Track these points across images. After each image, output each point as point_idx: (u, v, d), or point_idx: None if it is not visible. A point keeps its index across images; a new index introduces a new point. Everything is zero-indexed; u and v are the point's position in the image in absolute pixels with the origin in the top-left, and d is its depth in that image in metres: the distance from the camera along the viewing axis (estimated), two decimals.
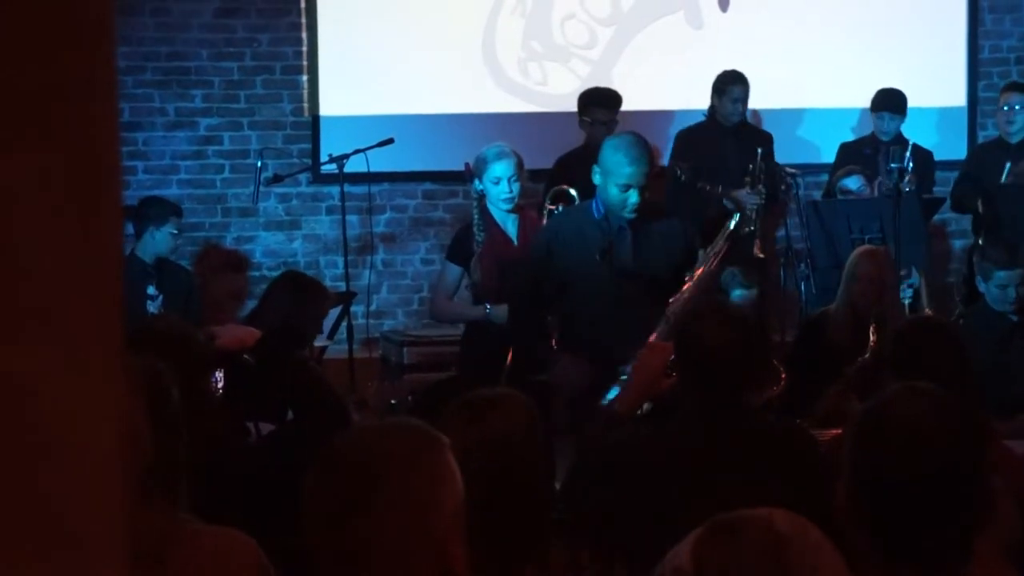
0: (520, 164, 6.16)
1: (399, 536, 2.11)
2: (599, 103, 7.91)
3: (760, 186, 7.36)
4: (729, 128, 7.98)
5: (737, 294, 6.55)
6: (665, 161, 8.20)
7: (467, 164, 6.39)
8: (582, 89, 8.48)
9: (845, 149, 8.22)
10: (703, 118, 8.09)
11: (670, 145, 8.50)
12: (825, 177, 8.38)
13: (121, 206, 1.26)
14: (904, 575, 2.28)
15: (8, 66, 1.15)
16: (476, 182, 6.18)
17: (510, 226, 6.23)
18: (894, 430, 2.31)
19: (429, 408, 5.31)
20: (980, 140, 8.89)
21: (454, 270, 6.27)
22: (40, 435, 1.15)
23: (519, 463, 2.73)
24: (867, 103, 8.31)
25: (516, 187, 6.11)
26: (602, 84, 8.37)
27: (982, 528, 2.33)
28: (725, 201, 7.55)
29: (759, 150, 7.42)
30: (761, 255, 7.20)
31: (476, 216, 6.18)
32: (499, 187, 6.10)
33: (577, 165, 6.99)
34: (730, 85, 7.97)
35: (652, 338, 4.75)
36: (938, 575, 2.27)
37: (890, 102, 8.12)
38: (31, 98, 1.16)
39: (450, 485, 2.17)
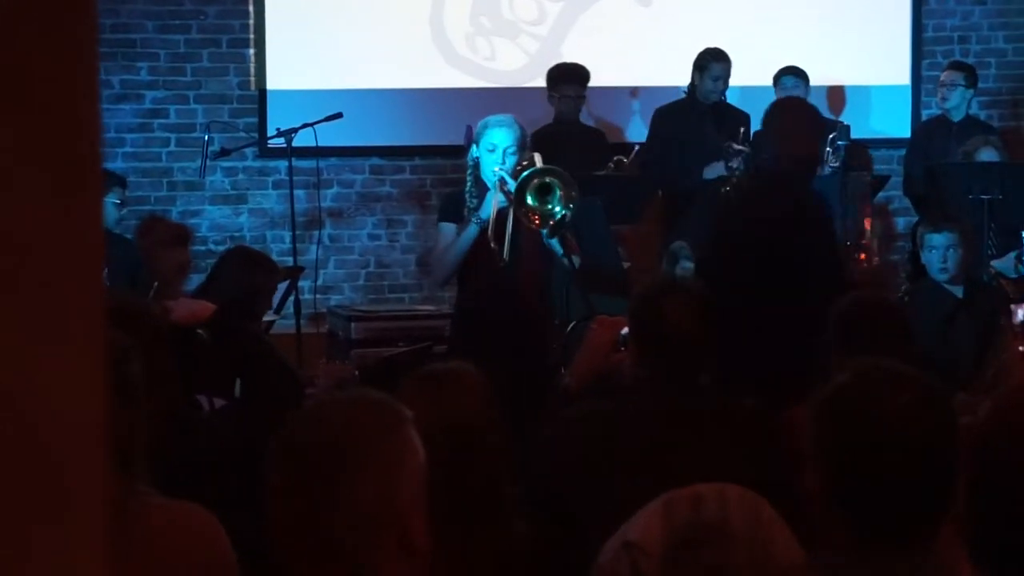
0: (523, 140, 5.79)
1: (361, 510, 2.12)
2: (568, 79, 7.95)
3: (732, 162, 7.38)
4: (708, 106, 8.01)
5: (686, 265, 6.59)
6: (629, 138, 8.23)
7: (468, 127, 6.25)
8: (530, 65, 8.51)
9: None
10: (682, 94, 8.12)
11: (616, 121, 8.55)
12: None
13: (101, 178, 1.26)
14: (873, 552, 2.30)
15: None
16: (473, 147, 5.82)
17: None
18: (858, 410, 2.33)
19: (378, 384, 5.32)
20: (924, 118, 8.97)
21: (450, 227, 5.85)
22: (22, 409, 1.15)
23: (476, 437, 2.75)
24: (816, 81, 8.35)
25: (511, 160, 5.69)
26: (551, 60, 8.38)
27: (949, 504, 2.35)
28: (708, 173, 7.62)
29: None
30: None
31: (469, 183, 5.83)
32: (493, 155, 5.70)
33: (548, 140, 7.03)
34: (711, 62, 8.00)
35: None
36: (907, 552, 2.30)
37: (787, 70, 8.16)
38: (10, 71, 1.15)
39: (413, 458, 2.17)
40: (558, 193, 5.56)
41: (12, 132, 1.16)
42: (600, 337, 3.99)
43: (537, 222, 5.55)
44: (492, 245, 5.58)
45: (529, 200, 5.53)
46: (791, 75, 8.18)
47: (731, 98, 8.21)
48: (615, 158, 7.91)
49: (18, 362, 1.15)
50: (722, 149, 7.44)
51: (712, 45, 8.15)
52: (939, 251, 6.16)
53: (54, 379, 1.17)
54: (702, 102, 8.01)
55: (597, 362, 3.99)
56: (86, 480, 1.16)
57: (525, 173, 5.56)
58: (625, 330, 3.82)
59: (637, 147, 8.37)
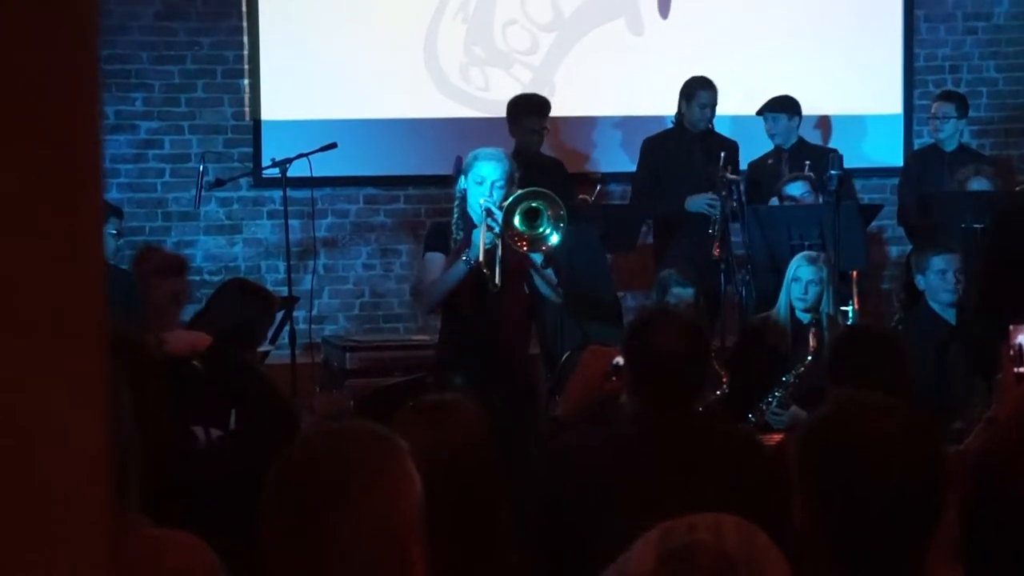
0: (511, 175, 5.74)
1: (361, 540, 2.13)
2: (528, 111, 7.94)
3: (720, 192, 7.39)
4: (696, 135, 8.03)
5: (676, 292, 6.60)
6: (610, 167, 8.28)
7: (458, 157, 6.25)
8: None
9: (753, 167, 8.25)
10: (671, 124, 8.15)
11: (609, 150, 8.58)
12: None
13: (102, 203, 1.26)
14: None
15: None
16: (461, 178, 5.81)
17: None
18: (842, 441, 2.33)
19: (373, 414, 5.32)
20: (916, 147, 9.01)
21: (437, 257, 5.81)
22: (25, 436, 1.16)
23: (474, 467, 2.76)
24: (807, 111, 8.37)
25: (498, 194, 5.64)
26: (544, 90, 8.41)
27: (936, 532, 2.36)
28: (689, 205, 7.64)
29: (722, 154, 7.47)
30: (719, 256, 7.25)
31: (456, 215, 5.82)
32: (481, 188, 5.66)
33: None
34: (697, 90, 8.02)
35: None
36: None
37: (785, 103, 8.17)
38: (14, 96, 1.16)
39: (410, 489, 2.18)
40: (546, 216, 5.57)
41: (18, 157, 1.17)
42: (592, 366, 3.99)
43: (525, 247, 5.55)
44: (484, 271, 5.58)
45: (518, 225, 5.54)
46: (774, 111, 8.17)
47: (723, 127, 8.24)
48: (579, 197, 7.91)
49: (21, 391, 1.16)
50: (715, 179, 7.46)
51: (701, 74, 8.18)
52: (948, 273, 6.20)
53: (56, 408, 1.17)
54: (690, 131, 8.04)
55: (589, 391, 4.00)
56: (87, 510, 1.17)
57: (511, 199, 5.56)
58: (617, 359, 3.83)
59: (598, 184, 8.40)
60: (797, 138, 8.17)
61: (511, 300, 5.74)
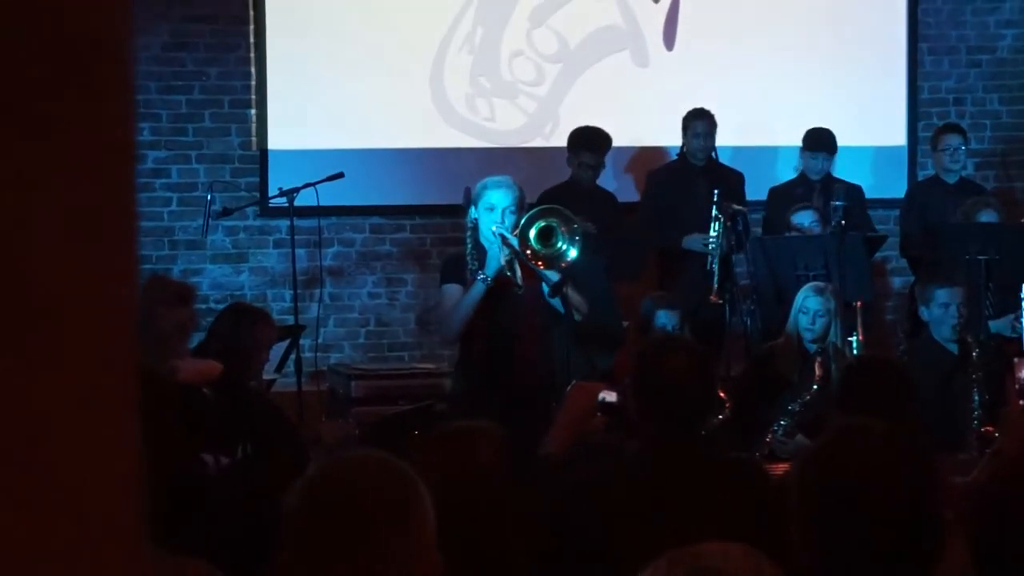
0: (521, 201, 5.74)
1: (379, 569, 2.14)
2: (586, 147, 8.00)
3: (715, 231, 7.41)
4: (699, 167, 8.06)
5: (662, 315, 6.62)
6: (623, 197, 8.31)
7: (467, 189, 6.27)
8: (528, 125, 8.58)
9: (775, 193, 8.31)
10: (675, 156, 8.20)
11: (614, 181, 8.60)
12: (760, 215, 8.48)
13: (136, 226, 1.28)
14: None
15: (28, 77, 1.18)
16: (472, 209, 5.80)
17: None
18: (840, 470, 2.35)
19: (379, 442, 5.34)
20: (919, 179, 9.03)
21: (453, 288, 5.79)
22: (54, 467, 1.18)
23: (494, 493, 2.77)
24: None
25: (510, 220, 5.64)
26: (549, 121, 8.46)
27: (937, 562, 2.37)
28: (686, 244, 7.67)
29: (716, 191, 7.49)
30: (719, 301, 7.24)
31: (469, 246, 5.79)
32: (492, 215, 5.65)
33: (557, 200, 7.06)
34: (693, 121, 8.08)
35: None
36: None
37: (825, 142, 8.21)
38: (46, 105, 1.19)
39: (426, 516, 2.21)
40: (559, 232, 5.60)
41: (53, 179, 1.19)
42: (578, 403, 4.00)
43: (544, 266, 5.58)
44: (506, 274, 5.58)
45: (535, 245, 5.56)
46: (813, 151, 8.24)
47: (726, 158, 8.27)
48: (594, 232, 7.95)
49: (47, 420, 1.18)
50: (719, 213, 7.49)
51: (708, 106, 8.22)
52: (951, 306, 6.23)
53: (84, 437, 1.19)
54: (693, 162, 8.08)
55: (576, 428, 4.00)
56: (121, 536, 1.19)
57: (524, 219, 5.57)
58: (603, 395, 3.83)
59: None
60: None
61: (528, 323, 5.77)
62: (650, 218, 8.06)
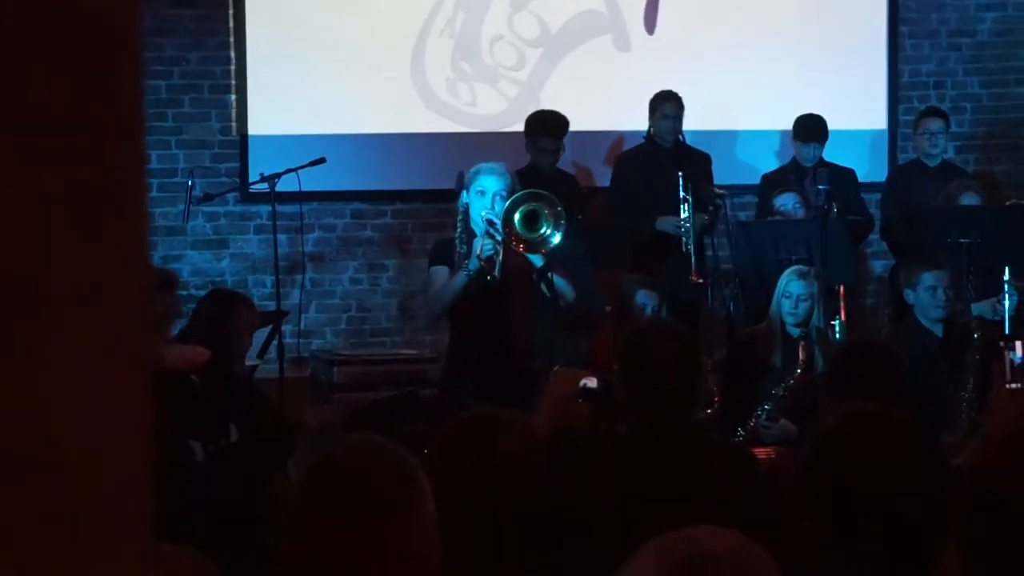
0: (513, 188, 5.82)
1: (382, 557, 2.14)
2: (545, 131, 7.96)
3: (685, 212, 7.44)
4: (667, 149, 8.06)
5: (641, 295, 6.62)
6: (597, 182, 8.31)
7: (460, 173, 6.31)
8: (510, 110, 8.56)
9: (768, 179, 8.31)
10: (641, 139, 8.18)
11: (596, 165, 8.59)
12: (749, 199, 8.49)
13: (147, 219, 1.27)
14: None
15: (38, 84, 1.16)
16: (463, 193, 5.90)
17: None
18: (857, 454, 2.35)
19: (362, 428, 5.34)
20: (900, 162, 9.05)
21: (441, 270, 5.90)
22: (65, 459, 1.16)
23: (515, 481, 2.76)
24: (790, 125, 8.41)
25: (500, 206, 5.72)
26: (530, 105, 8.43)
27: (944, 542, 2.38)
28: (659, 225, 7.67)
29: (679, 174, 7.51)
30: (699, 281, 7.27)
31: (459, 228, 5.88)
32: (483, 200, 5.77)
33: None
34: (661, 103, 8.07)
35: None
36: None
37: (817, 131, 8.22)
38: (58, 116, 1.17)
39: (426, 501, 2.20)
40: (544, 217, 5.65)
41: (62, 173, 1.18)
42: (559, 390, 3.99)
43: (527, 250, 5.63)
44: (485, 274, 5.63)
45: (519, 229, 5.61)
46: (804, 140, 8.23)
47: (720, 143, 8.28)
48: (577, 217, 7.95)
49: (58, 414, 1.16)
50: (701, 192, 7.49)
51: (690, 90, 8.22)
52: (939, 290, 6.24)
53: (97, 431, 1.18)
54: (660, 145, 8.08)
55: (557, 415, 4.00)
56: (129, 526, 1.17)
57: (508, 202, 5.63)
58: (583, 381, 3.83)
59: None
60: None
61: (518, 308, 5.80)
62: (618, 204, 8.05)
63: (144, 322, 1.18)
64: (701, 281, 7.27)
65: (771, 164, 8.64)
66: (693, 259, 7.37)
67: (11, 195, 1.14)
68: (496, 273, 5.66)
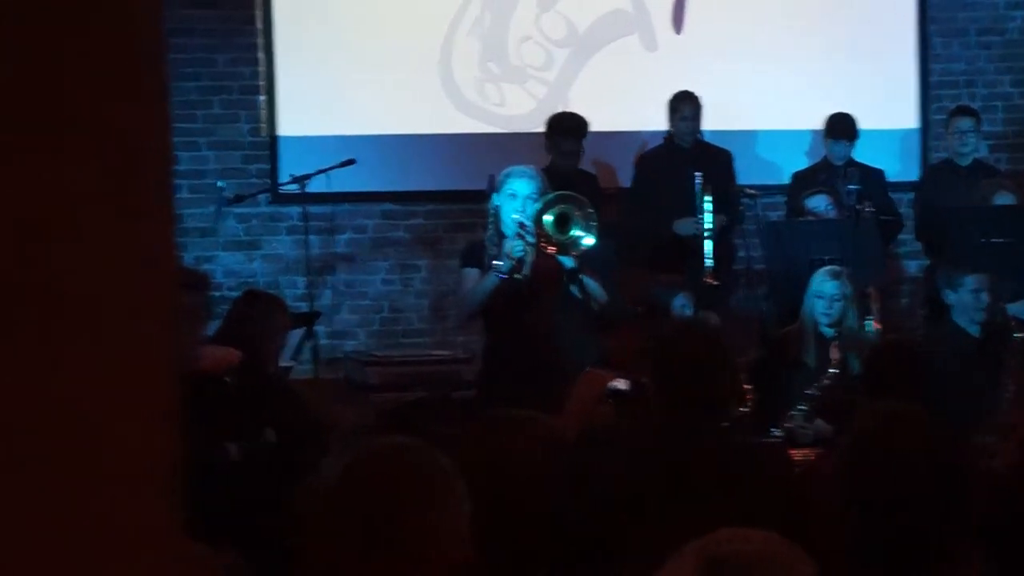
0: (544, 191, 5.85)
1: (411, 555, 2.13)
2: (565, 134, 7.95)
3: (702, 214, 7.43)
4: (686, 150, 8.05)
5: (680, 298, 6.62)
6: (625, 183, 8.30)
7: (491, 176, 6.35)
8: (538, 110, 8.54)
9: (799, 178, 8.29)
10: (661, 140, 8.17)
11: (624, 165, 8.58)
12: (779, 199, 8.46)
13: (173, 214, 1.27)
14: None
15: (63, 73, 1.16)
16: (494, 195, 5.95)
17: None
18: (892, 456, 2.34)
19: (396, 429, 5.33)
20: (932, 162, 9.01)
21: (472, 272, 5.94)
22: (93, 460, 1.16)
23: (537, 482, 2.76)
24: (821, 125, 8.39)
25: (531, 208, 5.77)
26: (558, 105, 8.42)
27: (966, 544, 2.37)
28: (676, 228, 7.65)
29: (696, 175, 7.50)
30: (714, 283, 7.25)
31: (491, 230, 5.90)
32: (514, 202, 5.81)
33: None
34: (679, 103, 8.09)
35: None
36: None
37: (848, 129, 8.20)
38: (84, 104, 1.17)
39: (458, 502, 2.20)
40: (575, 218, 5.69)
41: (89, 167, 1.17)
42: (586, 392, 4.00)
43: (559, 252, 5.68)
44: (515, 276, 5.69)
45: (550, 231, 5.65)
46: (836, 138, 8.22)
47: (750, 143, 8.26)
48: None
49: (84, 414, 1.16)
50: (733, 194, 7.47)
51: (717, 90, 8.21)
52: (982, 293, 6.21)
53: (123, 432, 1.17)
54: (680, 145, 8.08)
55: (583, 416, 4.00)
56: (156, 525, 1.17)
57: (538, 205, 5.66)
58: (613, 383, 3.83)
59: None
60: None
61: (547, 310, 5.82)
62: (639, 204, 8.05)
63: (171, 323, 1.18)
64: (715, 283, 7.24)
65: (801, 164, 8.61)
66: (709, 261, 7.35)
67: (38, 195, 1.14)
68: (526, 272, 5.69)
